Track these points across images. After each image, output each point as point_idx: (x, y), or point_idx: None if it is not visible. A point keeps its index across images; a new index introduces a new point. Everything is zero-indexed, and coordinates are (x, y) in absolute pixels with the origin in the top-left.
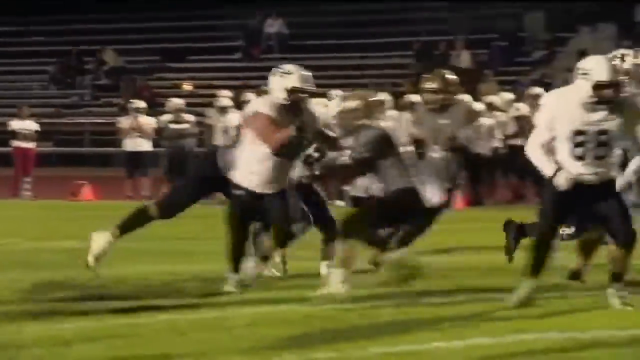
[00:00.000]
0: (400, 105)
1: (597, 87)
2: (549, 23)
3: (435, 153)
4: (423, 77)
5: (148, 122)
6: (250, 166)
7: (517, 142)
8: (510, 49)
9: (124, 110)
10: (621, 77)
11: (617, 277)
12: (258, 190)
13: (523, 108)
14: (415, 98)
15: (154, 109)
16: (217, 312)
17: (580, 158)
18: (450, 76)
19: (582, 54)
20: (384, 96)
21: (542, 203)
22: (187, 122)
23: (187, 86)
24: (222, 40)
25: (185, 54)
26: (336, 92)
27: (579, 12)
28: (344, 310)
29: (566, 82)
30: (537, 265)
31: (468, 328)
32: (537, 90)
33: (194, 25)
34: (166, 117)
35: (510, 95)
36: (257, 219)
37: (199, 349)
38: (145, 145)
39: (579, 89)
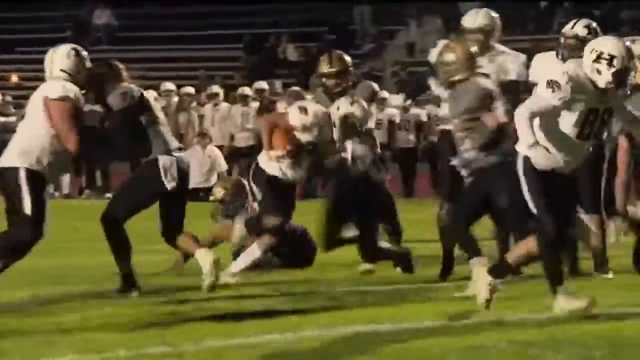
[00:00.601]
0: (232, 98)
1: (617, 73)
2: (377, 16)
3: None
4: (320, 60)
5: None
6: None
7: None
8: (340, 42)
9: None
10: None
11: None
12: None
13: None
14: (247, 91)
15: None
16: (45, 312)
17: (586, 137)
18: (347, 57)
19: (410, 47)
20: (216, 89)
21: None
22: (14, 114)
23: (14, 78)
24: (51, 32)
25: (12, 45)
26: (168, 85)
27: (406, 6)
28: (178, 303)
29: (396, 74)
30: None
31: (302, 321)
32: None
33: (21, 16)
34: None
35: None
36: None
37: (30, 351)
38: None
39: (597, 72)
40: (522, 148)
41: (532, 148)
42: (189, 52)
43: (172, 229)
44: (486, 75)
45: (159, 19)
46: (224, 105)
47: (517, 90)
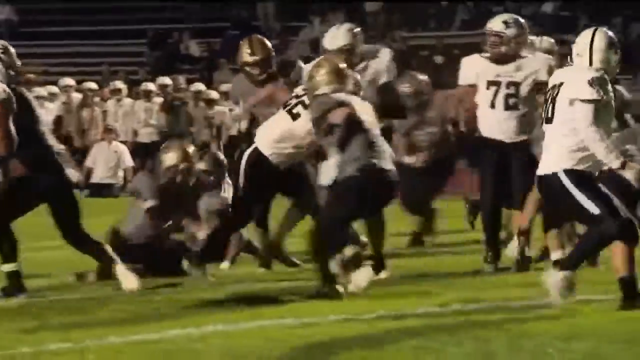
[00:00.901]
0: (135, 94)
1: None
2: (281, 12)
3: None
4: (240, 47)
5: None
6: None
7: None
8: (244, 38)
9: None
10: None
11: None
12: None
13: None
14: (150, 86)
15: None
16: None
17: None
18: (268, 42)
19: (314, 43)
20: (119, 84)
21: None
22: None
23: None
24: None
25: None
26: (67, 80)
27: (309, 2)
28: (79, 299)
29: (300, 69)
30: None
31: (203, 316)
32: (199, 86)
33: None
34: None
35: None
36: None
37: None
38: None
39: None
40: (556, 166)
41: (626, 169)
42: (92, 47)
43: (69, 228)
44: (357, 87)
45: (60, 13)
46: (127, 100)
47: (392, 88)
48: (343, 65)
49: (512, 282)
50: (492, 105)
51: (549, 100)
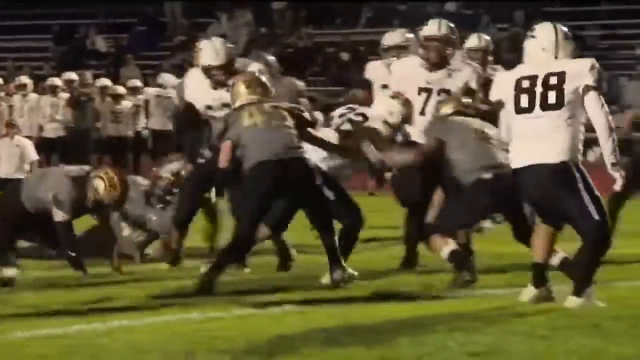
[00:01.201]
0: (40, 89)
1: None
2: (188, 9)
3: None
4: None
5: None
6: None
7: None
8: (151, 34)
9: None
10: None
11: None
12: None
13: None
14: (57, 81)
15: None
16: None
17: None
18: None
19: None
20: (25, 79)
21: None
22: None
23: None
24: None
25: None
26: None
27: None
28: None
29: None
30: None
31: (108, 311)
32: (105, 81)
33: None
34: None
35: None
36: None
37: None
38: None
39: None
40: (562, 155)
41: (614, 171)
42: None
43: None
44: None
45: None
46: (33, 96)
47: None
48: (261, 76)
49: (417, 278)
50: (423, 112)
51: (547, 88)
